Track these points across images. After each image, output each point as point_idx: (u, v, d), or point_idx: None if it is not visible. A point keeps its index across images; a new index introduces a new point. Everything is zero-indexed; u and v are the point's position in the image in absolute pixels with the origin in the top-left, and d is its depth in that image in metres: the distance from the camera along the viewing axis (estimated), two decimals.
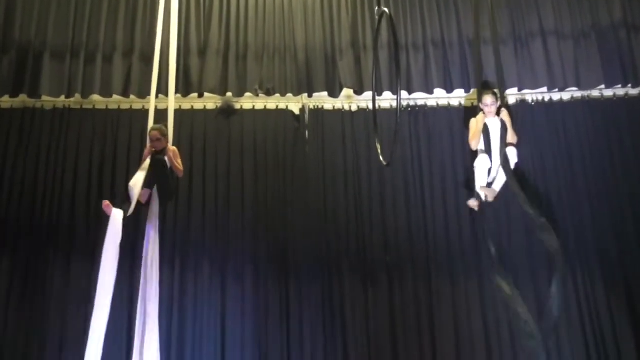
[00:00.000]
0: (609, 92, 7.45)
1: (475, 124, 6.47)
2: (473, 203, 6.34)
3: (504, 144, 6.06)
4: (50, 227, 7.09)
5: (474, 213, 6.62)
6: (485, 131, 6.34)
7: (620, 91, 7.43)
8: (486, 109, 6.38)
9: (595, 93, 7.46)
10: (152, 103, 6.46)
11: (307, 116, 7.55)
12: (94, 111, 7.49)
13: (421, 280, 7.03)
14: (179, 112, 7.09)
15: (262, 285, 6.97)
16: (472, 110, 7.23)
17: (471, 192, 6.39)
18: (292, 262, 7.05)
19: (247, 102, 7.55)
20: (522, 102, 7.55)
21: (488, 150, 6.29)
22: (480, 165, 6.31)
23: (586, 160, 7.29)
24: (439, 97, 7.59)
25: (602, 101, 7.46)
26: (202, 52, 7.44)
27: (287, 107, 7.60)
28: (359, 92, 7.47)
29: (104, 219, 6.81)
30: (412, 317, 6.91)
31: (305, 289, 6.95)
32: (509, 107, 6.50)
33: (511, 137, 6.30)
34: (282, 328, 6.84)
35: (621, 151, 7.23)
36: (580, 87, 7.39)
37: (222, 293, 6.94)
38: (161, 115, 6.60)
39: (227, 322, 6.86)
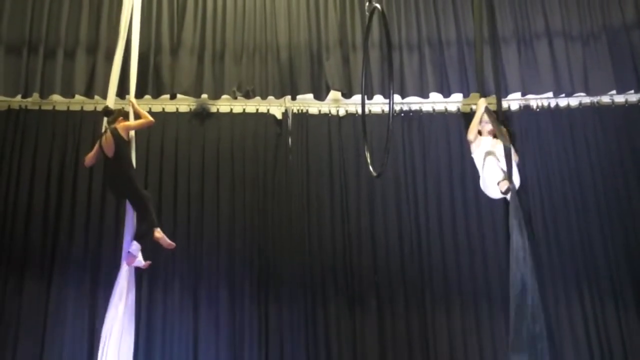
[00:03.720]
0: (620, 98, 7.28)
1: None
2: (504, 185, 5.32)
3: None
4: (2, 241, 6.69)
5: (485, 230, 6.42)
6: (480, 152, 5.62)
7: (632, 97, 7.27)
8: (484, 127, 5.64)
9: (605, 99, 7.31)
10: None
11: (290, 121, 7.33)
12: (54, 112, 7.15)
13: (414, 305, 6.82)
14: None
15: (238, 308, 6.74)
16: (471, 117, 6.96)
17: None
18: (271, 282, 6.84)
19: (224, 104, 7.30)
20: (526, 108, 7.33)
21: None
22: (489, 170, 5.44)
23: (595, 171, 7.12)
24: (435, 102, 7.36)
25: (613, 108, 7.29)
26: (175, 50, 7.07)
27: (268, 110, 7.36)
28: (347, 95, 7.20)
29: (62, 234, 6.75)
30: (403, 346, 6.70)
31: (286, 313, 6.74)
32: (507, 125, 5.72)
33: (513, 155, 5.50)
34: (261, 357, 6.59)
35: (634, 162, 7.08)
36: (589, 93, 7.17)
37: (194, 317, 6.71)
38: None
39: (200, 350, 6.61)
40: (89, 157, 5.87)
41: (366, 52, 6.72)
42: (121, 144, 5.60)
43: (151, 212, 5.65)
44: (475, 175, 6.93)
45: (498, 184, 5.35)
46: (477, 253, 6.87)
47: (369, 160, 5.97)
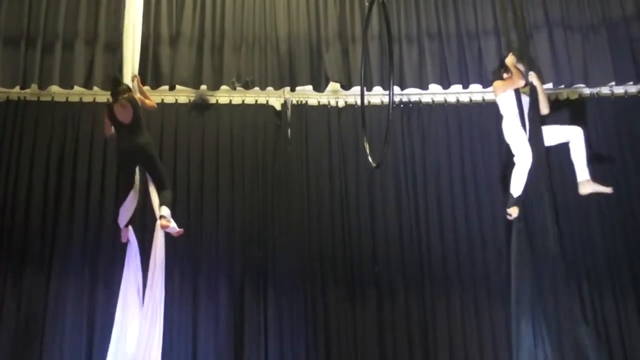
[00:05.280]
0: (619, 90, 7.22)
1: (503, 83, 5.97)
2: (513, 210, 5.71)
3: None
4: (1, 233, 6.64)
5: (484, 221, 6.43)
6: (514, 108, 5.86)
7: (632, 88, 7.21)
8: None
9: (605, 90, 7.24)
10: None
11: (289, 112, 7.28)
12: (53, 104, 7.10)
13: (413, 295, 6.79)
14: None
15: (237, 299, 6.70)
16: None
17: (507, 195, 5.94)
18: (271, 273, 6.79)
19: (224, 96, 7.26)
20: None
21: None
22: (522, 166, 5.70)
23: (594, 163, 6.80)
24: (434, 93, 7.32)
25: (613, 99, 7.23)
26: (174, 41, 7.05)
27: (267, 102, 7.33)
28: (346, 86, 7.19)
29: (61, 226, 6.70)
30: (403, 336, 6.67)
31: (286, 304, 6.69)
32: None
33: (544, 106, 5.93)
34: (260, 347, 6.54)
35: (633, 153, 7.01)
36: (589, 84, 7.14)
37: (194, 307, 6.67)
38: None
39: (199, 341, 6.57)
40: (106, 128, 5.79)
41: (365, 44, 6.71)
42: (138, 109, 5.58)
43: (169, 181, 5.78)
44: (474, 166, 7.03)
45: (508, 209, 5.71)
46: (476, 243, 6.84)
47: (368, 152, 5.96)
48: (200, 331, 6.54)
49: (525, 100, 5.87)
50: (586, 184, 5.76)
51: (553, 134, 5.86)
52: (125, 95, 5.57)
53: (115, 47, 6.73)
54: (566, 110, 7.17)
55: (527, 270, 5.53)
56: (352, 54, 7.13)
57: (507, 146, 5.96)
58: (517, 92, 5.75)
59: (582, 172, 5.78)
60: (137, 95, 5.72)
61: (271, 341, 6.54)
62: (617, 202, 6.86)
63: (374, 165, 5.84)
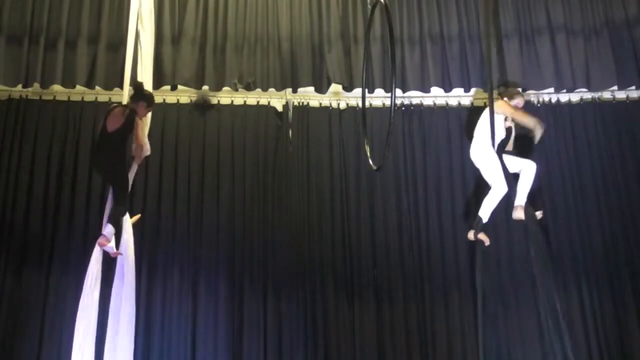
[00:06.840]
0: (621, 94, 7.21)
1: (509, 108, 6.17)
2: (482, 236, 6.03)
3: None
4: (1, 231, 6.62)
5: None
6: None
7: (633, 93, 7.21)
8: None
9: (606, 95, 7.24)
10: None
11: (290, 113, 7.27)
12: (55, 103, 7.06)
13: (412, 298, 6.77)
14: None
15: (237, 299, 6.67)
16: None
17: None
18: (271, 274, 6.76)
19: (225, 96, 7.24)
20: (527, 104, 7.16)
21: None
22: (496, 195, 5.92)
23: (596, 167, 7.07)
24: (436, 96, 7.30)
25: (614, 104, 7.22)
26: (176, 41, 7.02)
27: (269, 103, 7.30)
28: (348, 88, 7.16)
29: (62, 224, 6.68)
30: (401, 339, 6.65)
31: (285, 306, 6.66)
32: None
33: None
34: (259, 349, 6.53)
35: (634, 158, 7.02)
36: (591, 88, 7.12)
37: (193, 307, 6.64)
38: None
39: (198, 340, 6.54)
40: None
41: (368, 45, 6.65)
42: (129, 127, 5.41)
43: (127, 200, 5.52)
44: (474, 169, 6.98)
45: (477, 234, 6.04)
46: (475, 247, 6.67)
47: (369, 154, 5.85)
48: (200, 331, 6.51)
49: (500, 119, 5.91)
50: (519, 210, 5.94)
51: (510, 164, 6.00)
52: (131, 106, 5.48)
53: (116, 46, 6.73)
54: (567, 115, 7.18)
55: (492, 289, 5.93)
56: (354, 56, 7.09)
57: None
58: (492, 116, 5.60)
59: (520, 198, 5.95)
60: (142, 123, 5.56)
61: (270, 342, 6.52)
62: (618, 205, 6.89)
63: (374, 167, 5.76)
